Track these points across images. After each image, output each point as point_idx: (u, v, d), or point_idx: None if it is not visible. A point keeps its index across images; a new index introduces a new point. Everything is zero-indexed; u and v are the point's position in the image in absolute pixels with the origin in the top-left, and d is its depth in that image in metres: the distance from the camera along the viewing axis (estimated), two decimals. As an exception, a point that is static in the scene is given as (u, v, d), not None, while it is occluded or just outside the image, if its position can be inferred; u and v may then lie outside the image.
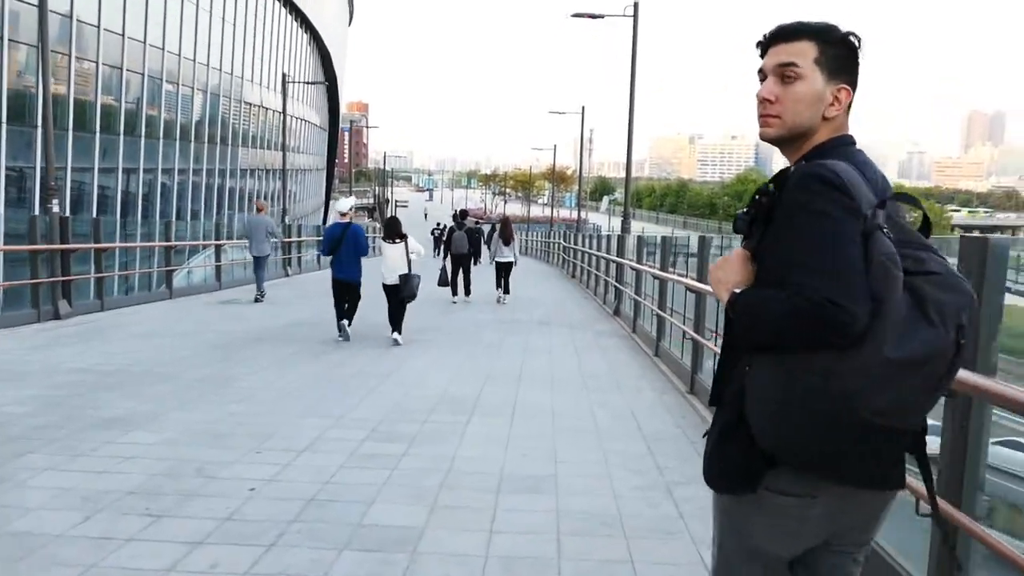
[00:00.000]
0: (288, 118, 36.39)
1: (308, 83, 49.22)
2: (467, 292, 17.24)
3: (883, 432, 1.61)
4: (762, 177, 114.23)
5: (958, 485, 2.67)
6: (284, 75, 36.93)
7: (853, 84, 1.81)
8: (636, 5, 21.75)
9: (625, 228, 20.86)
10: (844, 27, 1.80)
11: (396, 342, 10.70)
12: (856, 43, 1.80)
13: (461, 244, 16.89)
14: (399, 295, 10.81)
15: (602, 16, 22.96)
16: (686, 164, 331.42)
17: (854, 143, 1.81)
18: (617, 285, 15.82)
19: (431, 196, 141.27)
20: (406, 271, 10.78)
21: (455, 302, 16.83)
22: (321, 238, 17.22)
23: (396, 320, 10.91)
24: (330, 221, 33.90)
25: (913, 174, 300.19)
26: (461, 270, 17.18)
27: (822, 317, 1.52)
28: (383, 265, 10.96)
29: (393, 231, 11.00)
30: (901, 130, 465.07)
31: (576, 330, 13.10)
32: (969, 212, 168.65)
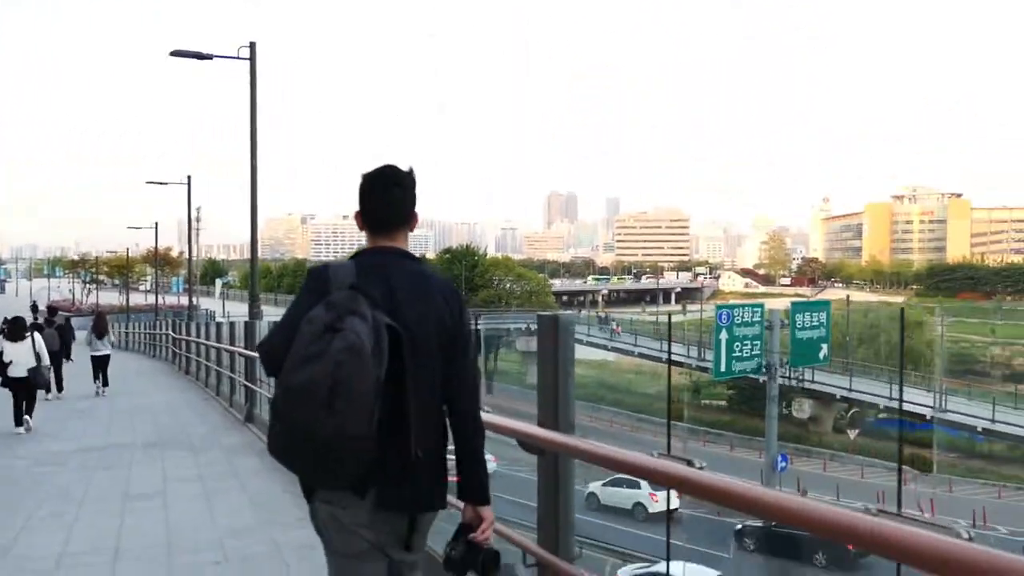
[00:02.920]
0: None
1: None
2: (59, 388, 17.18)
3: (310, 444, 2.24)
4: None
5: (554, 531, 2.98)
6: None
7: (362, 211, 2.60)
8: (253, 45, 17.24)
9: (254, 313, 17.38)
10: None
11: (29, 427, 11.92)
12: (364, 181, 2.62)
13: (52, 342, 16.17)
14: (29, 387, 12.12)
15: (210, 57, 18.40)
16: (300, 244, 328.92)
17: (373, 250, 2.58)
18: (248, 384, 12.76)
19: (2, 289, 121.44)
20: (35, 364, 12.06)
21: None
22: None
23: (29, 409, 12.17)
24: None
25: (508, 247, 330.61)
26: (53, 368, 15.49)
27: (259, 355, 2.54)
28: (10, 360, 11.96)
29: (19, 329, 12.33)
30: (498, 210, 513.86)
31: (200, 452, 9.85)
32: (618, 279, 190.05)
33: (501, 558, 2.51)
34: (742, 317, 29.22)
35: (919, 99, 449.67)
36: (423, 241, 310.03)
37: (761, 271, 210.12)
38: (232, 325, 15.90)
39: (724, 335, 29.42)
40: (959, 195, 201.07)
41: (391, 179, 2.57)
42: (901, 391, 36.21)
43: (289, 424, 2.26)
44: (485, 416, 2.68)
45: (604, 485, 30.65)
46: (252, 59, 17.34)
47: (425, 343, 2.42)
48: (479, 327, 61.91)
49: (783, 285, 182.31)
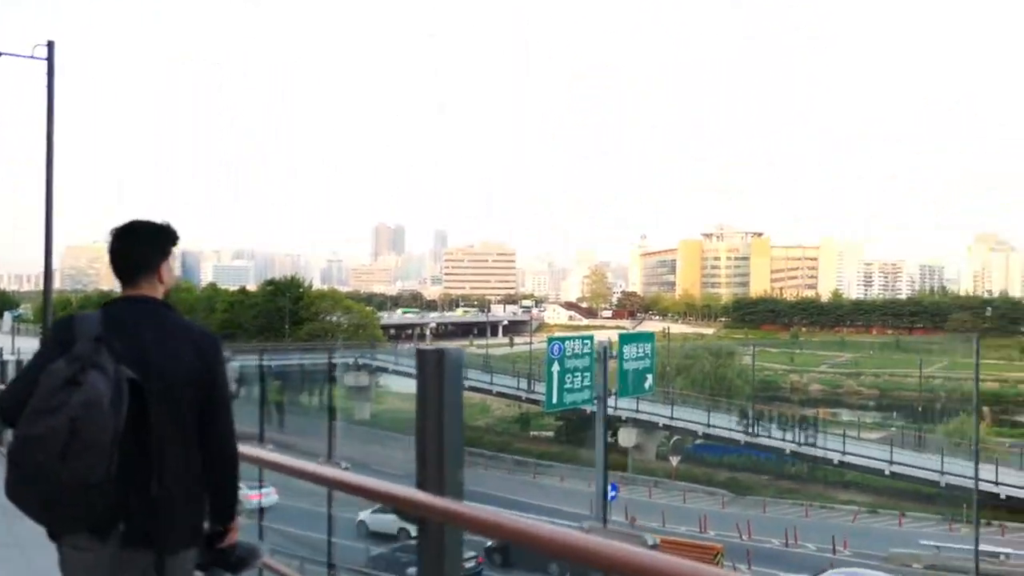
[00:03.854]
0: None
1: None
2: None
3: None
4: (191, 287, 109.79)
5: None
6: None
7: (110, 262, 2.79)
8: (51, 44, 15.24)
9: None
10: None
11: None
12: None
13: None
14: None
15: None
16: (105, 275, 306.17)
17: (123, 300, 2.75)
18: None
19: None
20: None
21: None
22: None
23: None
24: None
25: (334, 280, 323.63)
26: None
27: None
28: None
29: None
30: (324, 241, 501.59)
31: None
32: (464, 311, 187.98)
33: (252, 553, 2.90)
34: (573, 349, 29.54)
35: (725, 143, 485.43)
36: (243, 272, 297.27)
37: (584, 304, 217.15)
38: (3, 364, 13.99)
39: (556, 367, 29.63)
40: (760, 234, 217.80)
41: (128, 232, 2.76)
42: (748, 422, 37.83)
43: (26, 471, 2.36)
44: (362, 479, 2.72)
45: (373, 512, 30.41)
46: (50, 59, 15.50)
47: (172, 392, 2.58)
48: (304, 362, 59.55)
49: (605, 318, 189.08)
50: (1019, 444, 53.27)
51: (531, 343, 73.86)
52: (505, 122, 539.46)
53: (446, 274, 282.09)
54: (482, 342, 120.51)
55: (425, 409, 2.46)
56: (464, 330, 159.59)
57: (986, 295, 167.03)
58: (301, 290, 76.71)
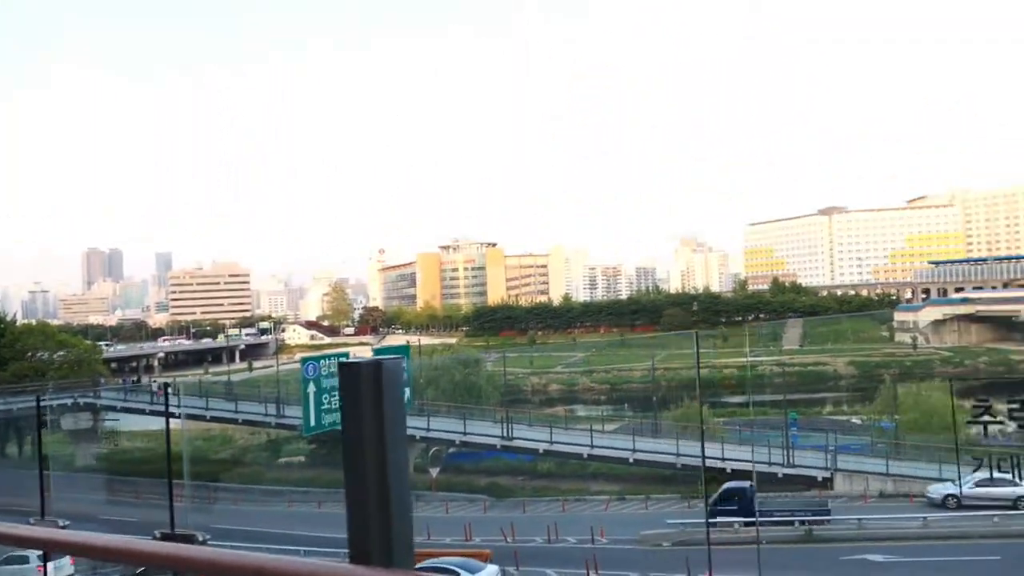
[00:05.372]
0: None
1: None
2: None
3: None
4: None
5: None
6: None
7: None
8: None
9: None
10: None
11: None
12: None
13: None
14: None
15: None
16: None
17: None
18: None
19: None
20: None
21: None
22: None
23: None
24: None
25: (40, 312, 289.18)
26: None
27: None
28: None
29: None
30: (24, 271, 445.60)
31: None
32: (227, 336, 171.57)
33: None
34: (329, 368, 28.34)
35: (451, 157, 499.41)
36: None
37: (325, 322, 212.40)
38: None
39: (312, 388, 28.29)
40: (494, 244, 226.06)
41: None
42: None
43: None
44: (84, 536, 1.94)
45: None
46: None
47: None
48: (11, 406, 52.17)
49: (348, 335, 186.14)
50: (731, 421, 59.64)
51: (277, 365, 70.50)
52: (234, 136, 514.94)
53: (173, 299, 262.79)
54: (220, 369, 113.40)
55: (360, 438, 1.78)
56: (197, 358, 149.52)
57: (692, 291, 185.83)
58: (2, 326, 67.25)
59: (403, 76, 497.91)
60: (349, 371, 1.88)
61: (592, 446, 43.07)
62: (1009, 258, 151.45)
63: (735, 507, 32.23)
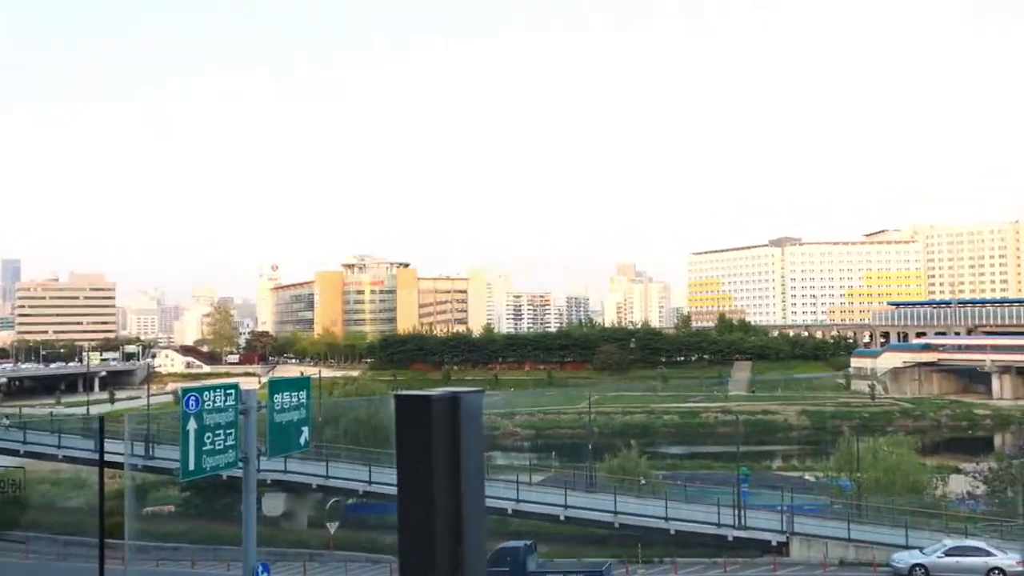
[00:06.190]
0: None
1: None
2: None
3: None
4: None
5: None
6: None
7: None
8: None
9: None
10: None
11: None
12: None
13: None
14: None
15: None
16: None
17: None
18: None
19: None
20: None
21: None
22: None
23: None
24: None
25: None
26: None
27: None
28: None
29: None
30: None
31: None
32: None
33: None
34: (214, 401, 27.23)
35: (366, 164, 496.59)
36: None
37: (205, 348, 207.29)
38: None
39: (192, 425, 27.14)
40: (407, 265, 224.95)
41: None
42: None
43: None
44: None
45: None
46: None
47: None
48: None
49: (231, 363, 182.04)
50: (671, 475, 60.09)
51: (148, 397, 68.00)
52: (103, 131, 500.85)
53: (21, 315, 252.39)
54: (76, 399, 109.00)
55: (431, 475, 1.41)
56: (47, 385, 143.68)
57: (630, 326, 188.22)
58: None
59: (314, 70, 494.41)
60: (415, 403, 1.62)
61: (518, 500, 42.61)
62: (973, 302, 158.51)
63: (507, 569, 32.03)
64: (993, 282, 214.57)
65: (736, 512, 39.56)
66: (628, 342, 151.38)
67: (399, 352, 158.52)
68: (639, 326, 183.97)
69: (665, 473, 62.32)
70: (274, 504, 45.50)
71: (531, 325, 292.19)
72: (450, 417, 1.58)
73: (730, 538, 38.85)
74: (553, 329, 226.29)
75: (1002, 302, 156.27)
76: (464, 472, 1.57)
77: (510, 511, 42.83)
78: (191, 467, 27.84)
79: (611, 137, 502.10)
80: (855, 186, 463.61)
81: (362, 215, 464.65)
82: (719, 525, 39.08)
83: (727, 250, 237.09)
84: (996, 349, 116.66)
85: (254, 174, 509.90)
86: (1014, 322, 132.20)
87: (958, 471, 58.36)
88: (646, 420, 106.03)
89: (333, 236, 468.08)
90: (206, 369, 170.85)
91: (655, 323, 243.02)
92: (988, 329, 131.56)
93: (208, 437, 28.32)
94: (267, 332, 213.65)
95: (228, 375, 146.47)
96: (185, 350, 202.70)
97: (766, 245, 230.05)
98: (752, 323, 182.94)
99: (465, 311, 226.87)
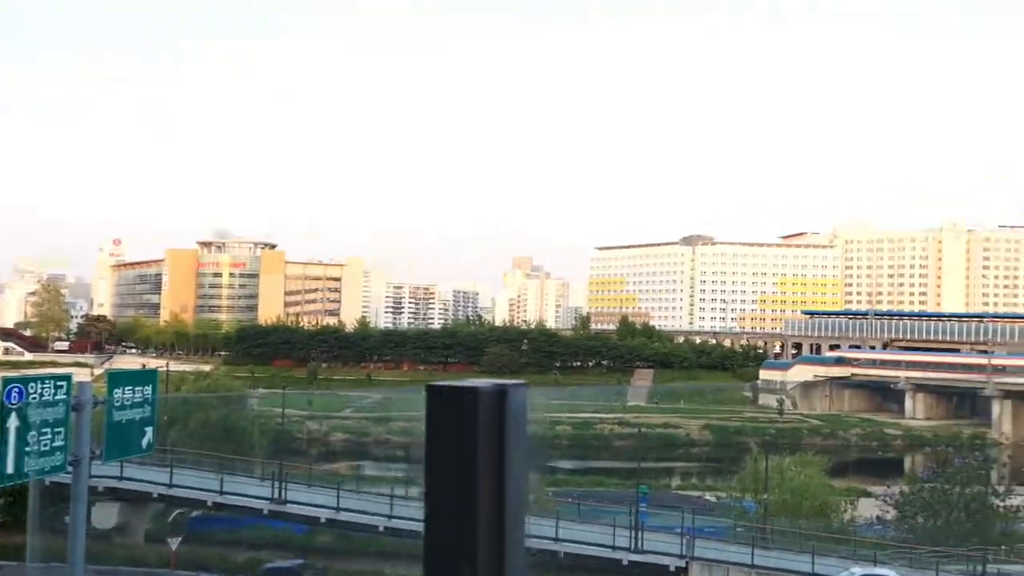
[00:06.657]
0: None
1: None
2: None
3: None
4: None
5: None
6: None
7: None
8: None
9: None
10: None
11: None
12: None
13: None
14: None
15: None
16: None
17: None
18: None
19: None
20: None
21: None
22: None
23: None
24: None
25: None
26: None
27: None
28: None
29: None
30: None
31: None
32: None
33: None
34: (41, 395, 26.30)
35: (228, 131, 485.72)
36: None
37: (28, 332, 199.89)
38: None
39: (14, 422, 26.18)
40: (273, 246, 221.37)
41: None
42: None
43: None
44: None
45: None
46: None
47: None
48: None
49: (59, 351, 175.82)
50: (564, 492, 60.96)
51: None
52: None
53: None
54: None
55: (474, 481, 1.44)
56: None
57: (523, 325, 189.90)
58: None
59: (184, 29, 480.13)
60: (453, 396, 1.68)
61: (391, 516, 42.50)
62: (891, 314, 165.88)
63: None
64: (912, 293, 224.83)
65: (632, 534, 40.41)
66: (520, 343, 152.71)
67: (259, 345, 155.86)
68: (533, 325, 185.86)
69: (555, 490, 63.08)
70: (106, 515, 44.10)
71: (412, 320, 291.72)
72: (496, 413, 1.57)
73: (625, 562, 39.65)
74: (437, 326, 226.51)
75: (920, 315, 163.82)
76: (508, 478, 1.59)
77: (382, 528, 42.71)
78: (9, 470, 26.81)
79: (517, 123, 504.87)
80: (775, 182, 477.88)
81: (226, 187, 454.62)
82: (614, 548, 39.83)
83: (634, 246, 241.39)
84: (911, 365, 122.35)
85: (99, 130, 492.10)
86: (931, 337, 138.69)
87: (867, 494, 60.99)
88: (537, 430, 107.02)
89: (189, 209, 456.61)
90: (28, 357, 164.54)
91: (551, 323, 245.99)
92: (904, 344, 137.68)
93: (32, 436, 27.32)
94: (104, 316, 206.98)
95: (55, 364, 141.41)
96: (4, 333, 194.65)
97: (676, 243, 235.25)
98: (657, 327, 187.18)
99: (338, 301, 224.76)
